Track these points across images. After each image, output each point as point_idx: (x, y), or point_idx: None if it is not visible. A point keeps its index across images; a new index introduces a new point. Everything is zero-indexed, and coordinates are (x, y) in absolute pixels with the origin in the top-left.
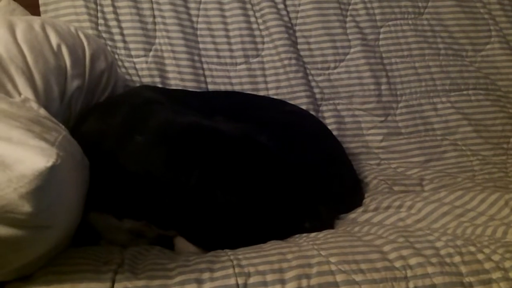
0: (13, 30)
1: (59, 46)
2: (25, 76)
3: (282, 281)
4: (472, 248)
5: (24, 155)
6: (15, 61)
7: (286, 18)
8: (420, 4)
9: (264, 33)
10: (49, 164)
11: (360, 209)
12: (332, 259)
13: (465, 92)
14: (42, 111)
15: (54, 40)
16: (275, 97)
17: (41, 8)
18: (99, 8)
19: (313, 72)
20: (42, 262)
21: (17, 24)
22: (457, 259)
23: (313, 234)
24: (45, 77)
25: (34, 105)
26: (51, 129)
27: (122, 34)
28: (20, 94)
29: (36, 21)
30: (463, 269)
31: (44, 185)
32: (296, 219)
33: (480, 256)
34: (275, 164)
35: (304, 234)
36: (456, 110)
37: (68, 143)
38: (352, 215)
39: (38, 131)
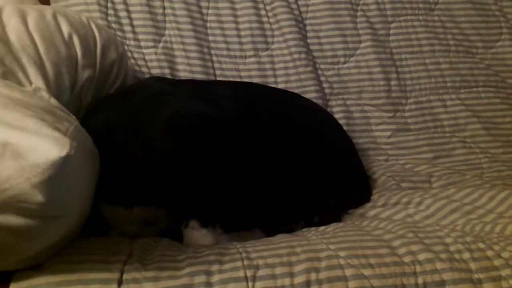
0: (25, 19)
1: (70, 36)
2: (36, 65)
3: (291, 274)
4: (482, 245)
5: (38, 144)
6: (27, 50)
7: (296, 12)
8: (431, 0)
9: (274, 26)
10: (63, 154)
11: (368, 205)
12: (341, 253)
13: (475, 89)
14: (53, 101)
15: (65, 29)
16: None
17: None
18: None
19: (322, 66)
20: (52, 252)
21: (29, 13)
22: (466, 255)
23: (321, 228)
24: (56, 67)
25: (45, 94)
26: (63, 119)
27: (131, 25)
28: (31, 83)
29: (47, 10)
30: (472, 265)
31: (57, 175)
32: (306, 211)
33: (489, 253)
34: (284, 156)
35: (313, 228)
36: (465, 107)
37: (79, 133)
38: (360, 211)
39: (50, 121)
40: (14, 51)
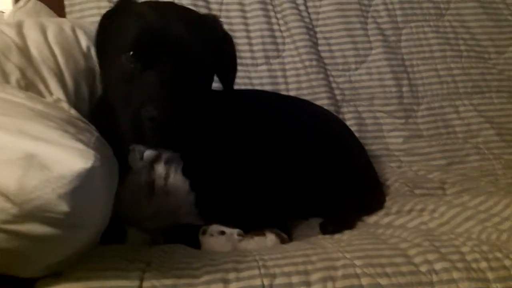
0: (44, 32)
1: (88, 48)
2: (56, 77)
3: (308, 283)
4: (499, 254)
5: (63, 156)
6: (47, 63)
7: (307, 19)
8: (442, 6)
9: (285, 34)
10: (88, 165)
11: (382, 212)
12: (357, 262)
13: (487, 95)
14: (73, 112)
15: (84, 42)
16: None
17: (67, 9)
18: None
19: (334, 73)
20: (73, 260)
21: (49, 26)
22: (483, 264)
23: (337, 236)
24: (75, 78)
25: (65, 105)
26: (84, 130)
27: None
28: (51, 94)
29: (66, 23)
30: (490, 275)
31: (82, 186)
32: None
33: (507, 262)
34: (296, 162)
35: (328, 236)
36: (478, 113)
37: (101, 144)
38: (374, 218)
39: (73, 132)
40: (35, 64)
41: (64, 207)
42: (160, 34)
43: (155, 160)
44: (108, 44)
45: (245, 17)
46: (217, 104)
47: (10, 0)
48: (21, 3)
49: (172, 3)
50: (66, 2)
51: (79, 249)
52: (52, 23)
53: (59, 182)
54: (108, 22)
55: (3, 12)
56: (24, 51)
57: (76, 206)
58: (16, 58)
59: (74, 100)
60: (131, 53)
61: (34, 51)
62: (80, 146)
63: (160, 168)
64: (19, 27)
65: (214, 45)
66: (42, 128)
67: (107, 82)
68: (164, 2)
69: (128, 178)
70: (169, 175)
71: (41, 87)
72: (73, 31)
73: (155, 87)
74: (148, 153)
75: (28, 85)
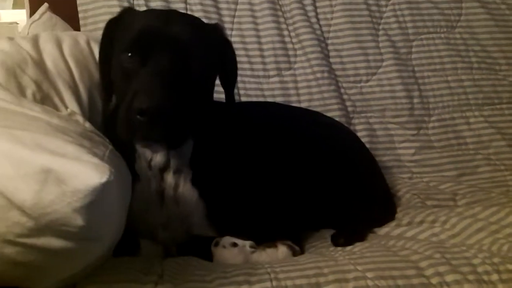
0: (60, 45)
1: None
2: (71, 90)
3: None
4: (510, 266)
5: (79, 170)
6: (62, 76)
7: (318, 32)
8: (452, 18)
9: (296, 46)
10: (103, 180)
11: (393, 223)
12: (369, 274)
13: (498, 106)
14: (88, 125)
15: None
16: None
17: (81, 21)
18: None
19: (345, 85)
20: (87, 272)
21: (64, 40)
22: (494, 277)
23: (348, 248)
24: (90, 91)
25: (80, 118)
26: (99, 143)
27: None
28: (66, 107)
29: (81, 36)
30: (501, 287)
31: (97, 200)
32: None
33: None
34: (307, 175)
35: (339, 248)
36: (489, 124)
37: (115, 157)
38: (385, 229)
39: (88, 146)
40: (50, 77)
41: (79, 221)
42: (157, 33)
43: (164, 169)
44: (111, 48)
45: (257, 30)
46: (229, 114)
47: (25, 12)
48: (36, 16)
49: (175, 10)
50: (80, 15)
51: (93, 261)
52: (67, 36)
53: (74, 196)
54: (112, 28)
55: (17, 23)
56: (40, 64)
57: (91, 220)
58: (32, 71)
59: (89, 113)
60: (129, 53)
61: (49, 64)
62: (95, 160)
63: (169, 178)
64: (35, 41)
65: (213, 48)
66: (59, 143)
67: (113, 85)
68: (167, 9)
69: (137, 187)
70: (179, 184)
71: (56, 100)
72: (88, 44)
73: (148, 80)
74: (156, 162)
75: (44, 98)
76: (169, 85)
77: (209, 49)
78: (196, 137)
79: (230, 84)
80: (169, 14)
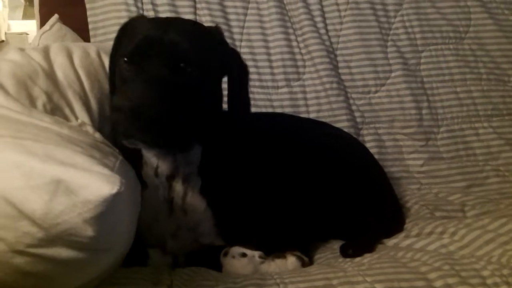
0: (70, 56)
1: None
2: (82, 101)
3: None
4: None
5: (89, 181)
6: (73, 87)
7: (327, 43)
8: (461, 29)
9: (305, 57)
10: (114, 191)
11: (402, 234)
12: (378, 286)
13: (507, 117)
14: (98, 135)
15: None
16: None
17: (91, 32)
18: None
19: (354, 96)
20: (96, 283)
21: (74, 51)
22: None
23: (357, 259)
24: (100, 102)
25: (90, 129)
26: (109, 153)
27: None
28: (77, 118)
29: (91, 47)
30: None
31: (107, 211)
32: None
33: None
34: (316, 186)
35: (348, 259)
36: (498, 135)
37: (125, 167)
38: (394, 240)
39: (98, 157)
40: (61, 88)
41: (89, 231)
42: (153, 42)
43: (172, 177)
44: (117, 55)
45: (266, 41)
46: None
47: (34, 22)
48: (46, 27)
49: (180, 18)
50: (90, 26)
51: (103, 272)
52: (77, 47)
53: (85, 207)
54: (119, 36)
55: (27, 34)
56: (50, 75)
57: (101, 231)
58: (43, 82)
59: (99, 123)
60: (127, 61)
61: (60, 75)
62: (106, 171)
63: (178, 186)
64: (45, 52)
65: (212, 52)
66: (69, 153)
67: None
68: (173, 17)
69: (144, 194)
70: (187, 193)
71: (67, 110)
72: (98, 55)
73: (140, 83)
74: (162, 169)
75: (54, 109)
76: (158, 89)
77: (208, 53)
78: (205, 145)
79: (239, 83)
80: (171, 22)
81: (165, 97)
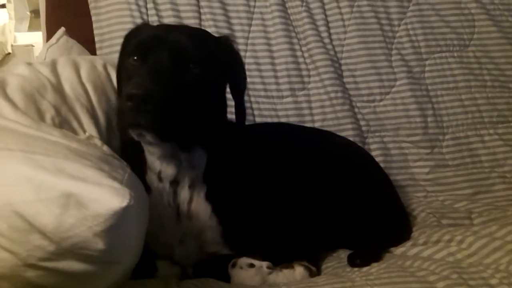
0: (78, 70)
1: None
2: (89, 114)
3: None
4: None
5: (99, 194)
6: (80, 100)
7: (332, 52)
8: (465, 37)
9: (310, 66)
10: (124, 204)
11: (409, 243)
12: None
13: None
14: (106, 148)
15: (115, 79)
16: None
17: (97, 44)
18: None
19: (359, 104)
20: None
21: (82, 64)
22: None
23: (365, 269)
24: (108, 115)
25: (98, 142)
26: (118, 166)
27: None
28: (84, 131)
29: (98, 61)
30: None
31: (117, 224)
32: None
33: None
34: (323, 195)
35: (356, 269)
36: (504, 142)
37: (133, 180)
38: (401, 249)
39: (107, 170)
40: (68, 101)
41: (100, 244)
42: (159, 38)
43: (177, 183)
44: (123, 60)
45: (270, 50)
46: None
47: (41, 34)
48: (53, 40)
49: (185, 25)
50: (96, 38)
51: (112, 284)
52: (84, 61)
53: (95, 221)
54: (126, 42)
55: (33, 46)
56: (58, 89)
57: (111, 244)
58: (51, 96)
59: (106, 136)
60: (132, 56)
61: (67, 88)
62: (115, 184)
63: (184, 192)
64: (53, 66)
65: (220, 58)
66: (79, 167)
67: None
68: (178, 24)
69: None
70: (193, 199)
71: (75, 124)
72: (105, 68)
73: (142, 73)
74: (166, 174)
75: (62, 123)
76: (163, 80)
77: (215, 59)
78: (210, 151)
79: (239, 92)
80: (176, 26)
81: (169, 87)
